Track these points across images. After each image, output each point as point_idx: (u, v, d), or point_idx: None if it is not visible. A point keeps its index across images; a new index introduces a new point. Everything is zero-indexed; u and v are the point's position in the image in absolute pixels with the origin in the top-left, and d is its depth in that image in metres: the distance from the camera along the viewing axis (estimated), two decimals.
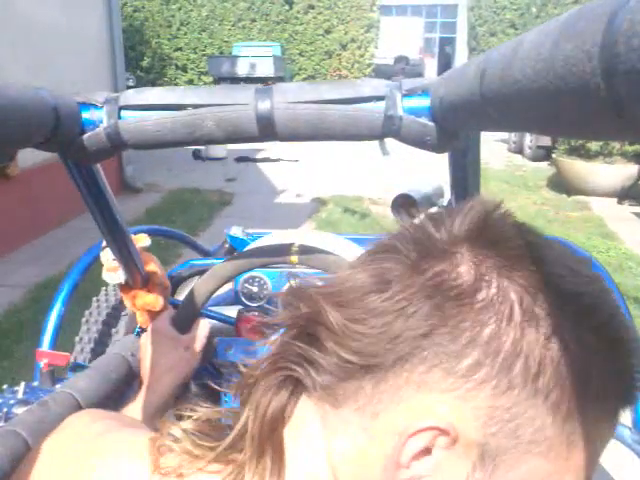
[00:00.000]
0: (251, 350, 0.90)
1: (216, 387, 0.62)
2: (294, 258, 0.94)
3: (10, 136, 0.50)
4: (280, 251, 0.96)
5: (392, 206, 1.38)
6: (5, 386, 0.87)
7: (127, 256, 0.91)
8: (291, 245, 0.95)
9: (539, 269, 0.37)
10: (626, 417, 1.01)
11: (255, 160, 8.33)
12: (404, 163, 5.40)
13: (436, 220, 0.40)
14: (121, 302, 1.29)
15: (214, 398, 0.98)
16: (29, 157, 4.55)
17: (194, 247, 1.69)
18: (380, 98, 0.60)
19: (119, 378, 0.90)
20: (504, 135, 10.24)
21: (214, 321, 1.14)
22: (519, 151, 9.30)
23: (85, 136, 0.61)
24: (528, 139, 8.83)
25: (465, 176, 0.80)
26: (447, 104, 0.52)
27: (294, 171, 7.69)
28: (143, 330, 0.99)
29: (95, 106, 0.62)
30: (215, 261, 1.20)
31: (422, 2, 22.76)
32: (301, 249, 0.95)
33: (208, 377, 0.90)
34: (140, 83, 13.29)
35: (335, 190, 6.39)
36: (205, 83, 15.05)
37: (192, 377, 0.96)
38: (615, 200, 6.17)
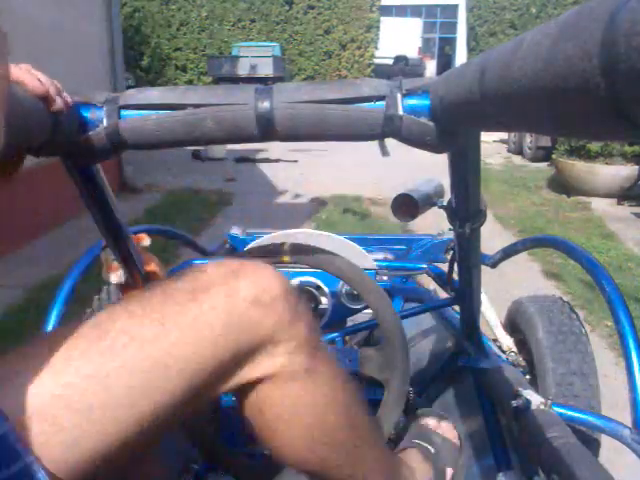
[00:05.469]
0: None
1: None
2: (286, 257, 0.95)
3: (10, 136, 0.49)
4: (271, 251, 0.97)
5: (392, 206, 1.38)
6: None
7: (127, 256, 0.91)
8: (282, 245, 0.96)
9: None
10: (626, 417, 1.01)
11: (255, 160, 8.32)
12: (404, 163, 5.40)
13: None
14: None
15: None
16: (29, 157, 4.53)
17: (194, 247, 1.69)
18: (380, 98, 0.60)
19: None
20: (504, 135, 10.22)
21: None
22: (519, 152, 9.28)
23: (85, 136, 0.61)
24: (528, 140, 8.82)
25: (465, 176, 0.80)
26: (447, 104, 0.52)
27: (294, 171, 7.68)
28: None
29: (95, 106, 0.62)
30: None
31: (422, 2, 22.75)
32: (291, 248, 0.95)
33: None
34: (140, 83, 13.27)
35: (335, 190, 6.38)
36: (205, 83, 15.03)
37: None
38: (615, 200, 6.17)
